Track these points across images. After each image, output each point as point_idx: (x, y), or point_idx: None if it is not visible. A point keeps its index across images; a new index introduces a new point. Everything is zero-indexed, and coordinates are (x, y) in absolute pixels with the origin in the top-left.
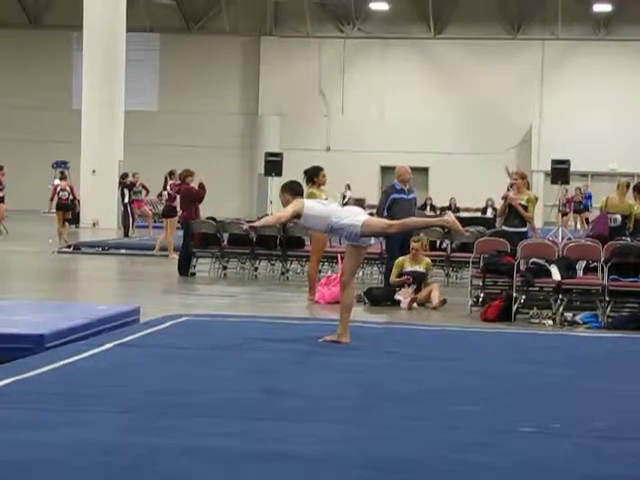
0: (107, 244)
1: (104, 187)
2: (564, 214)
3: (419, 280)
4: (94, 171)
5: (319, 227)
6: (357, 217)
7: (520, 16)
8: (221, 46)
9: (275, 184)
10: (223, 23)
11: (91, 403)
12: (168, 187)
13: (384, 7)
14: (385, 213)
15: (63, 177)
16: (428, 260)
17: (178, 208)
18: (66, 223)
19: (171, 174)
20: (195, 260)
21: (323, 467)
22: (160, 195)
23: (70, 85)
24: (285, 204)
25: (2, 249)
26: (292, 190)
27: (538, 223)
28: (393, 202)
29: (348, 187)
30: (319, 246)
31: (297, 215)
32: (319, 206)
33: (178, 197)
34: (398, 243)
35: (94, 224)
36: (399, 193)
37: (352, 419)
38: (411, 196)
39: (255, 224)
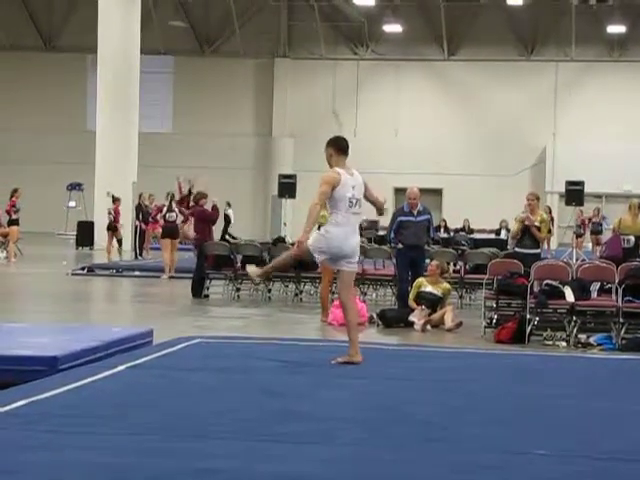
0: (121, 266)
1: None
2: (578, 235)
3: (434, 304)
4: (108, 193)
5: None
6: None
7: (533, 37)
8: (235, 68)
9: (289, 206)
10: (237, 45)
11: (104, 425)
12: (176, 208)
13: (397, 29)
14: (392, 235)
15: (114, 200)
16: (447, 285)
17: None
18: (115, 242)
19: (173, 196)
20: (208, 282)
21: None
22: (157, 214)
23: (85, 107)
24: (328, 158)
25: (17, 271)
26: (337, 145)
27: (553, 244)
28: (400, 224)
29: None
30: (330, 268)
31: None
32: (347, 191)
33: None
34: (407, 265)
35: None
36: (406, 215)
37: (365, 441)
38: (421, 218)
39: (301, 238)
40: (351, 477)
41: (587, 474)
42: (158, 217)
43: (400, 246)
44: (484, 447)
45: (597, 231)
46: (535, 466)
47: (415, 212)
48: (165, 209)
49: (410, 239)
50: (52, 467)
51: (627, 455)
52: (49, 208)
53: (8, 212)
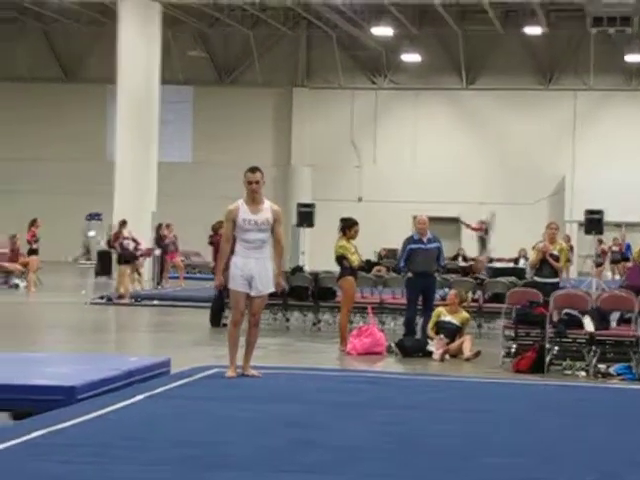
0: (139, 295)
1: (137, 238)
2: (598, 265)
3: (453, 333)
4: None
5: None
6: None
7: (552, 67)
8: (254, 98)
9: (307, 235)
10: (256, 75)
11: (121, 456)
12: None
13: (416, 58)
14: (402, 263)
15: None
16: (466, 315)
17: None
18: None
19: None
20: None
21: None
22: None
23: (104, 137)
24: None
25: (36, 300)
26: None
27: (572, 273)
28: (411, 252)
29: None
30: (349, 297)
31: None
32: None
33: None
34: (417, 292)
35: None
36: (416, 243)
37: (383, 472)
38: (431, 246)
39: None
40: None
41: None
42: (116, 244)
43: (410, 274)
44: (505, 477)
45: (617, 260)
46: None
47: (425, 239)
48: (121, 237)
49: (420, 267)
50: None
51: None
52: (68, 238)
53: (29, 242)
